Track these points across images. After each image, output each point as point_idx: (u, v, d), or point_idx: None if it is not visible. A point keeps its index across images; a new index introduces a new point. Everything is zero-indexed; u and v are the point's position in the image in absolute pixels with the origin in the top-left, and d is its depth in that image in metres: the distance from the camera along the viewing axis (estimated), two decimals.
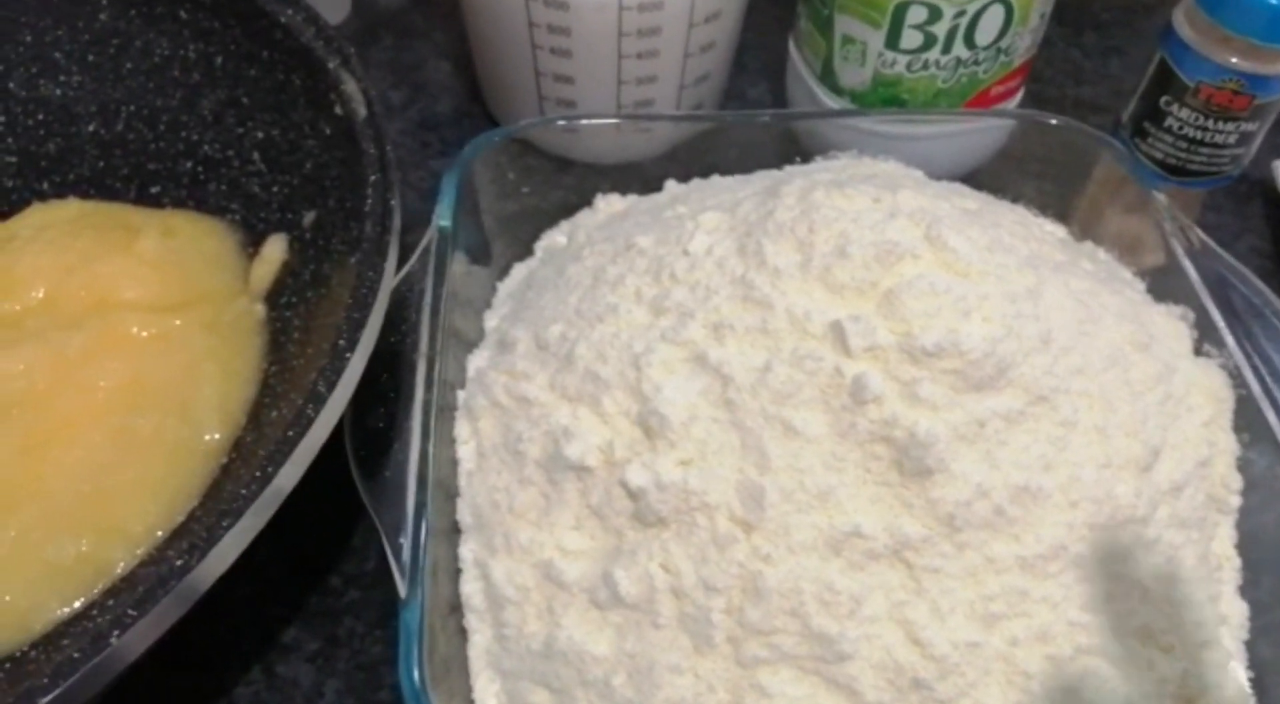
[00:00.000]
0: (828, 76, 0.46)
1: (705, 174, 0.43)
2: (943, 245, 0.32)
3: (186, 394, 0.36)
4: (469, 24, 0.47)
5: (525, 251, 0.43)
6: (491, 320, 0.40)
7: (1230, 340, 0.36)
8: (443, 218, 0.38)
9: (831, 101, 0.46)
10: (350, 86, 0.37)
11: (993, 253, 0.32)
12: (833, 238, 0.32)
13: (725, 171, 0.43)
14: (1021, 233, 0.37)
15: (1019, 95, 0.47)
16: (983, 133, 0.47)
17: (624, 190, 0.43)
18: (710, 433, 0.31)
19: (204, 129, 0.44)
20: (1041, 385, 0.31)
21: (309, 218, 0.41)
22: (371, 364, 0.33)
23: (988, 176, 0.44)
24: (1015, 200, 0.44)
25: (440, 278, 0.36)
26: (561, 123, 0.41)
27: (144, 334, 0.38)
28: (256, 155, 0.43)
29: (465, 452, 0.35)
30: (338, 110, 0.38)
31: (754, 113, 0.42)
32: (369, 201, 0.36)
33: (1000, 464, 0.30)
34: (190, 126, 0.45)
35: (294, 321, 0.39)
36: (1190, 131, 0.40)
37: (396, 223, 0.35)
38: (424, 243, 0.38)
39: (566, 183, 0.43)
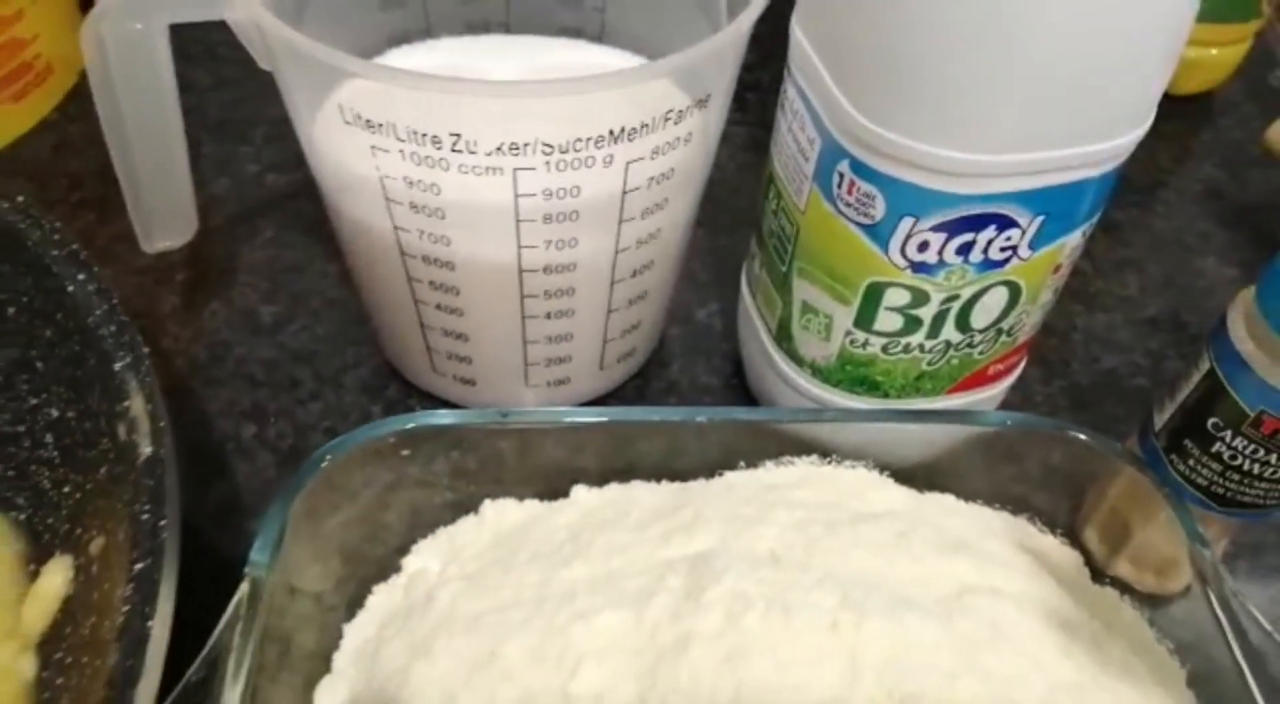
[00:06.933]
0: (784, 340, 0.36)
1: (627, 470, 0.34)
2: None
3: None
4: (343, 250, 0.38)
5: (392, 564, 0.34)
6: (341, 672, 0.31)
7: None
8: (258, 562, 0.28)
9: (788, 368, 0.37)
10: (137, 408, 0.28)
11: None
12: None
13: (653, 465, 0.34)
14: (1033, 652, 0.27)
15: (1020, 368, 0.38)
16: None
17: (521, 487, 0.34)
18: None
19: None
20: None
21: (97, 544, 0.31)
22: None
23: (981, 469, 0.35)
24: (1015, 507, 0.35)
25: (247, 643, 0.27)
26: (410, 425, 0.31)
27: None
28: (49, 438, 0.34)
29: None
30: (121, 433, 0.28)
31: (683, 412, 0.33)
32: (138, 556, 0.26)
33: None
34: None
35: (66, 688, 0.29)
36: (1246, 464, 0.31)
37: (167, 589, 0.26)
38: (236, 598, 0.28)
39: (456, 484, 0.34)
